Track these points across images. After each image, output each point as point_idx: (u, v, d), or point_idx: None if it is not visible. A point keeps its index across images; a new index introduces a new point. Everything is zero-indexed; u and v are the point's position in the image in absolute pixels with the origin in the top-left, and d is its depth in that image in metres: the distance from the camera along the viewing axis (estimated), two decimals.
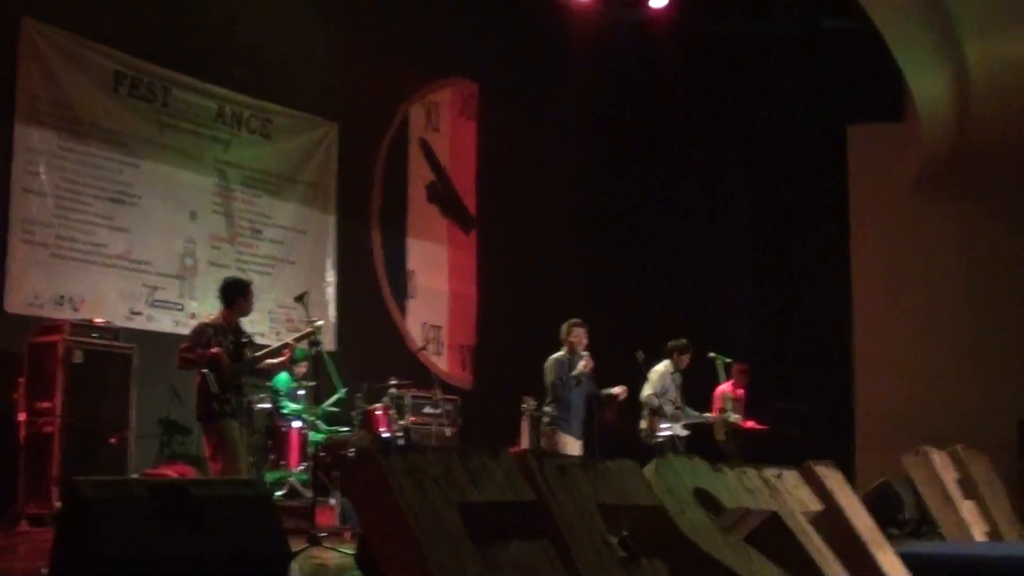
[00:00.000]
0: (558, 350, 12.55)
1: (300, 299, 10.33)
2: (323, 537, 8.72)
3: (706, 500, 5.30)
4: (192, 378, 9.89)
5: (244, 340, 10.00)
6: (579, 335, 12.40)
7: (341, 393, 13.10)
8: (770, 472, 6.18)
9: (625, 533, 4.72)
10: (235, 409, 9.66)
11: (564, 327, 12.55)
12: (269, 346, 10.72)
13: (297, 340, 10.27)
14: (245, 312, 10.11)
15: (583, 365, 12.22)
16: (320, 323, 10.30)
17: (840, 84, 17.00)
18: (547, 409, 12.36)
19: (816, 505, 6.31)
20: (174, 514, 4.53)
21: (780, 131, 17.66)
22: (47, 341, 11.32)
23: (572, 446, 12.13)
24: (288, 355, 10.38)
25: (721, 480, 5.57)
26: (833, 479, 6.61)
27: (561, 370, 12.35)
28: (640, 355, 12.87)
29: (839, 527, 6.31)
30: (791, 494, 6.10)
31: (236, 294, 10.00)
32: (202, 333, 9.77)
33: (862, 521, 6.49)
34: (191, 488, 4.75)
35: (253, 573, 4.83)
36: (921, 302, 16.61)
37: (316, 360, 10.16)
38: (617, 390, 12.63)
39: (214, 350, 9.55)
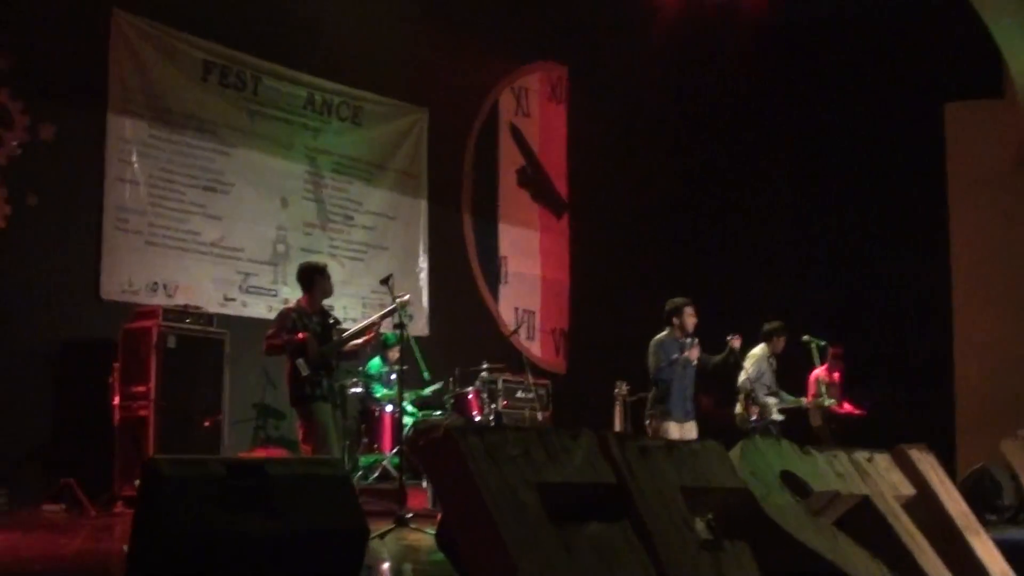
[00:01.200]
0: (654, 333, 12.16)
1: (386, 281, 10.30)
2: (410, 518, 8.74)
3: (793, 483, 5.22)
4: (284, 363, 9.94)
5: (330, 322, 10.03)
6: (689, 315, 11.81)
7: (437, 385, 13.10)
8: (861, 455, 6.08)
9: (709, 516, 4.67)
10: (327, 392, 9.68)
11: (670, 305, 11.97)
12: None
13: (382, 316, 10.26)
14: (326, 294, 10.11)
15: (691, 354, 11.68)
16: (406, 297, 10.25)
17: (937, 60, 16.67)
18: (651, 394, 11.98)
19: (908, 489, 6.19)
20: (250, 493, 4.54)
21: (876, 111, 17.37)
22: (141, 327, 11.47)
23: (676, 432, 11.60)
24: (374, 334, 10.31)
25: (809, 463, 5.48)
26: (926, 462, 6.48)
27: (665, 353, 11.79)
28: (736, 342, 12.38)
29: (932, 512, 6.19)
30: (883, 478, 5.99)
31: (312, 277, 10.03)
32: (286, 317, 9.82)
33: (956, 506, 6.35)
34: (267, 467, 4.76)
35: (330, 551, 4.83)
36: (1023, 282, 16.30)
37: (404, 345, 10.14)
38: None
39: (301, 335, 9.59)
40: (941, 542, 5.89)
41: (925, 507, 6.15)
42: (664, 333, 11.90)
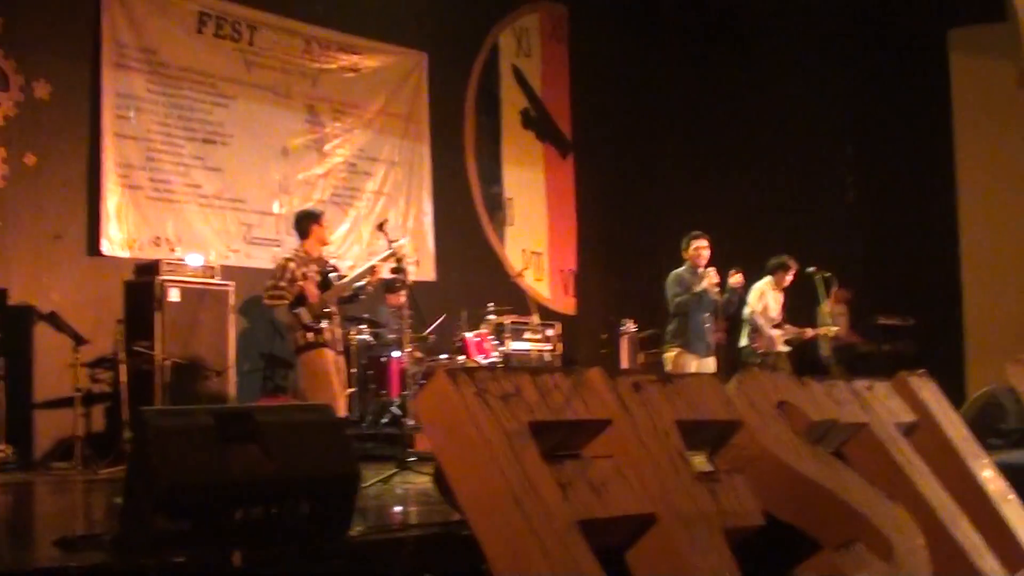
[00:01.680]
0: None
1: (381, 227, 10.32)
2: (413, 462, 8.79)
3: (791, 413, 5.22)
4: (287, 313, 9.96)
5: (328, 270, 10.04)
6: (699, 248, 12.00)
7: (441, 318, 13.16)
8: (861, 384, 6.08)
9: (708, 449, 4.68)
10: (329, 340, 9.72)
11: (684, 240, 12.16)
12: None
13: (382, 260, 10.26)
14: (323, 241, 10.16)
15: (708, 284, 11.81)
16: (403, 242, 10.30)
17: None
18: (669, 328, 12.01)
19: (909, 416, 6.19)
20: (240, 439, 4.56)
21: (879, 38, 17.30)
22: (143, 281, 11.49)
23: (695, 366, 11.74)
24: (376, 277, 10.36)
25: (807, 393, 5.48)
26: (927, 389, 6.48)
27: (681, 286, 11.94)
28: (734, 279, 12.36)
29: (933, 438, 6.19)
30: (883, 405, 5.99)
31: (308, 224, 10.04)
32: (284, 268, 9.86)
33: (957, 431, 6.36)
34: (256, 414, 4.78)
35: (322, 496, 4.86)
36: None
37: (409, 289, 10.16)
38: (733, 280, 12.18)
39: (301, 283, 9.61)
40: (942, 467, 5.90)
41: (926, 433, 6.16)
42: (682, 268, 11.92)
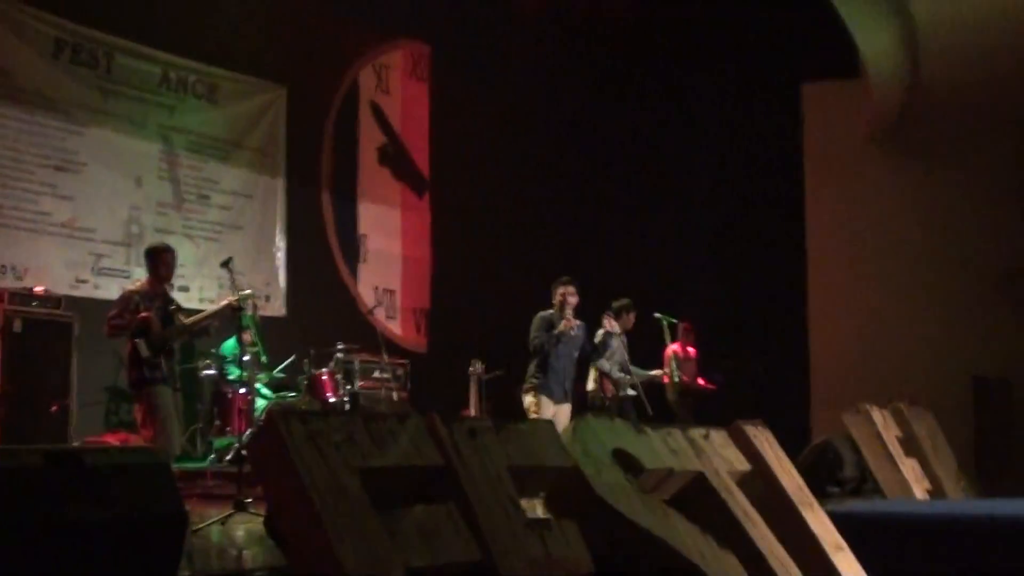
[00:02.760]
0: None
1: (225, 264, 10.24)
2: (250, 503, 8.71)
3: (626, 461, 5.28)
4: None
5: (172, 307, 9.95)
6: (564, 293, 11.93)
7: (291, 358, 13.10)
8: (697, 432, 6.17)
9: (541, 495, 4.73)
10: (167, 375, 9.61)
11: (553, 284, 12.12)
12: (203, 311, 10.67)
13: (216, 313, 10.22)
14: (166, 277, 10.03)
15: (564, 325, 11.79)
16: (247, 292, 10.28)
17: (793, 39, 16.92)
18: (528, 370, 12.06)
19: (744, 465, 6.30)
20: (68, 482, 4.51)
21: (733, 88, 17.62)
22: None
23: (551, 410, 11.69)
24: (219, 318, 10.31)
25: (643, 441, 5.55)
26: (762, 437, 6.60)
27: (542, 328, 11.92)
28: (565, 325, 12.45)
29: (767, 487, 6.30)
30: (718, 454, 6.09)
31: (155, 257, 9.96)
32: (128, 300, 9.72)
33: (791, 480, 6.48)
34: (85, 456, 4.73)
35: (148, 539, 4.82)
36: (876, 259, 16.63)
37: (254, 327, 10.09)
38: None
39: (144, 314, 9.51)
40: (776, 516, 6.01)
41: (760, 482, 6.27)
42: (549, 311, 12.03)
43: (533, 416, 11.42)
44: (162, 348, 9.57)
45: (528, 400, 11.86)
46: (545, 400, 11.74)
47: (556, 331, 11.78)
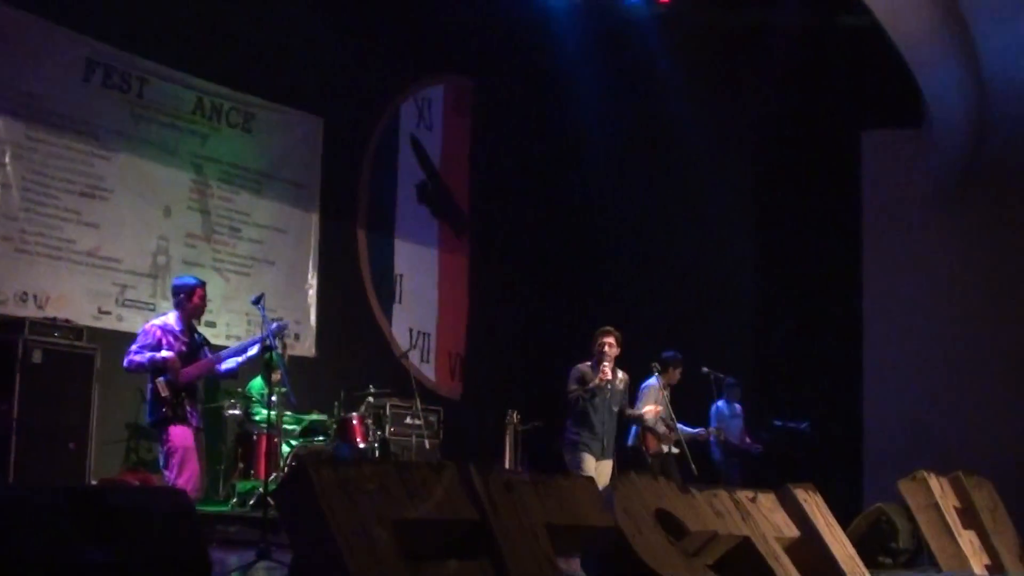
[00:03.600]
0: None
1: (258, 301, 10.15)
2: (274, 551, 8.69)
3: (669, 523, 5.28)
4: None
5: (199, 343, 9.98)
6: (603, 343, 11.77)
7: (319, 417, 13.06)
8: (744, 494, 6.16)
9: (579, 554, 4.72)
10: (190, 414, 9.65)
11: (595, 333, 11.94)
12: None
13: (253, 353, 10.20)
14: (195, 313, 10.06)
15: (599, 379, 11.66)
16: (284, 324, 10.30)
17: (856, 85, 16.89)
18: (566, 424, 11.91)
19: (793, 531, 6.28)
20: (91, 522, 4.52)
21: (790, 133, 17.57)
22: (5, 340, 11.27)
23: (591, 467, 11.53)
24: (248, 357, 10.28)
25: (688, 502, 5.55)
26: (813, 502, 6.59)
27: (576, 380, 11.81)
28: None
29: (816, 555, 6.29)
30: (766, 518, 6.08)
31: (185, 292, 9.98)
32: (149, 334, 9.76)
33: (841, 549, 6.46)
34: (109, 496, 4.74)
35: None
36: (935, 319, 16.52)
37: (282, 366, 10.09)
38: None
39: (165, 354, 9.55)
40: None
41: (809, 549, 6.25)
42: (587, 362, 11.93)
43: (574, 473, 11.30)
44: (184, 387, 9.62)
45: (568, 457, 11.76)
46: (585, 456, 11.64)
47: (591, 384, 11.68)
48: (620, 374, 11.99)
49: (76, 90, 13.27)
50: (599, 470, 11.46)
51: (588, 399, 11.61)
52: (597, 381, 11.65)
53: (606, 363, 11.73)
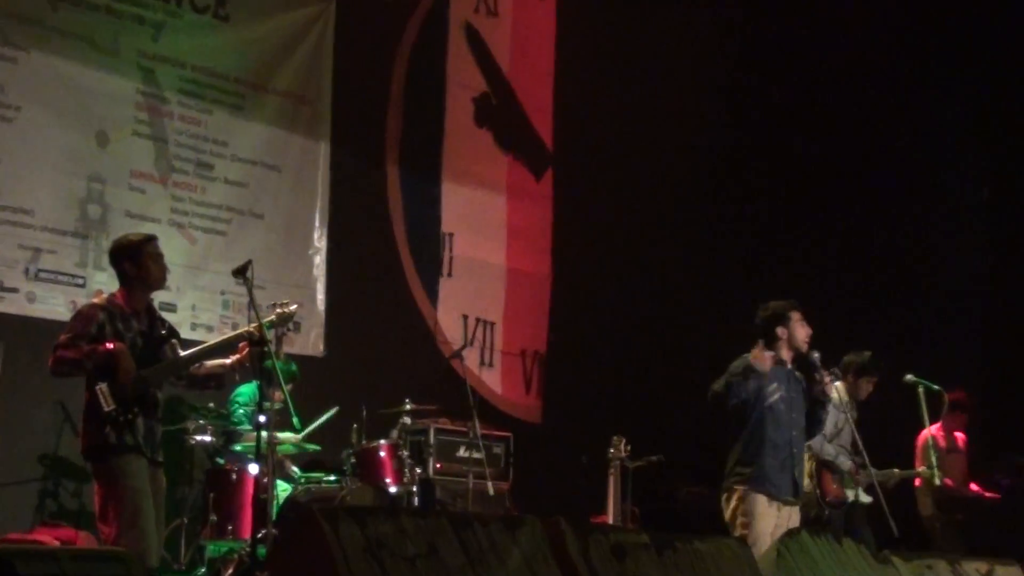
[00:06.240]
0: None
1: (241, 273, 10.07)
2: None
3: None
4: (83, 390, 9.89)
5: (162, 332, 9.94)
6: (795, 325, 11.22)
7: (329, 412, 13.09)
8: (975, 566, 6.16)
9: None
10: (144, 441, 9.62)
11: (765, 313, 11.38)
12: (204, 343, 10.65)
13: (257, 328, 10.09)
14: (149, 284, 9.95)
15: (827, 382, 11.34)
16: (293, 307, 10.27)
17: None
18: (731, 455, 11.21)
19: None
20: None
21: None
22: None
23: (769, 515, 10.91)
24: (242, 356, 10.19)
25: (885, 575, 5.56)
26: None
27: (748, 386, 11.08)
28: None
29: None
30: None
31: (132, 256, 9.88)
32: (89, 319, 9.71)
33: None
34: (15, 563, 4.78)
35: None
36: None
37: (271, 373, 10.06)
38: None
39: (110, 345, 9.50)
40: None
41: None
42: (748, 356, 11.36)
43: (741, 531, 10.76)
44: (136, 398, 9.59)
45: (732, 506, 11.17)
46: (761, 501, 10.93)
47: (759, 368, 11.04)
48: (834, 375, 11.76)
49: None
50: (782, 520, 10.91)
51: (762, 401, 11.00)
52: (765, 364, 11.03)
53: (801, 343, 11.25)
